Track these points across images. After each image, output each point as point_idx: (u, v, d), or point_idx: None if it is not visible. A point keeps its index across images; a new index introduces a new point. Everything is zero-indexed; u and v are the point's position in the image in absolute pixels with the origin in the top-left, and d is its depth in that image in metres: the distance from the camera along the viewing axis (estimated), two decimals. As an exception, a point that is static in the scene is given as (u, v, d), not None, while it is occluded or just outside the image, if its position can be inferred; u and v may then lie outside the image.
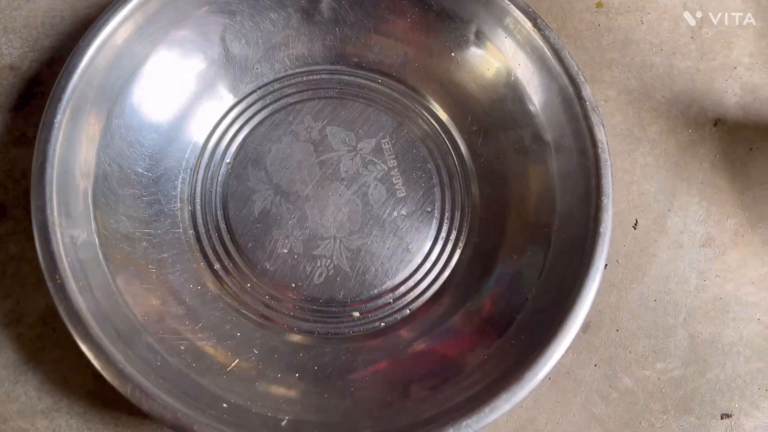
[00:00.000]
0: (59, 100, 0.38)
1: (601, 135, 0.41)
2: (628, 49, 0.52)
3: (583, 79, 0.42)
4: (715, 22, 0.53)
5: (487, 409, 0.35)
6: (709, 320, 0.47)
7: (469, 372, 0.40)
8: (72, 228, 0.38)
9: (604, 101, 0.51)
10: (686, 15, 0.53)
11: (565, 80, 0.43)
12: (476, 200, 0.47)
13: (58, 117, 0.38)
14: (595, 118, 0.42)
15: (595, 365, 0.46)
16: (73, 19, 0.48)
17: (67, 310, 0.35)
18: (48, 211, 0.36)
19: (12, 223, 0.44)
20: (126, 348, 0.36)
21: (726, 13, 0.54)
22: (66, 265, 0.36)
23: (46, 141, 0.38)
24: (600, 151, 0.41)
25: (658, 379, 0.46)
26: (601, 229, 0.40)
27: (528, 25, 0.44)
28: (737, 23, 0.53)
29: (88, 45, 0.39)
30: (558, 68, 0.43)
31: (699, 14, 0.53)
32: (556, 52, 0.43)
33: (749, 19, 0.53)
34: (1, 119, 0.45)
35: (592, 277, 0.39)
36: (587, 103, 0.42)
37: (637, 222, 0.49)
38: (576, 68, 0.43)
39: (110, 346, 0.35)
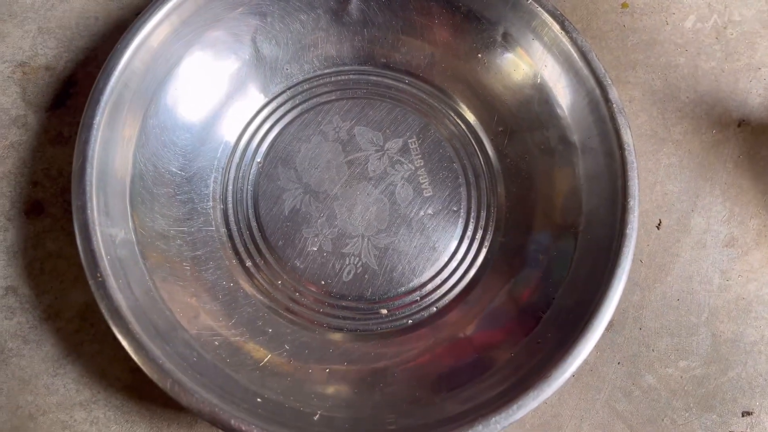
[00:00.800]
0: (98, 101, 0.39)
1: (627, 137, 0.42)
2: (653, 49, 0.53)
3: (609, 82, 0.43)
4: (739, 20, 0.53)
5: (515, 407, 0.36)
6: (731, 319, 0.48)
7: (497, 369, 0.40)
8: (111, 227, 0.39)
9: (629, 102, 0.51)
10: (713, 16, 0.53)
11: (592, 83, 0.43)
12: (502, 200, 0.48)
13: (97, 118, 0.39)
14: (621, 121, 0.42)
15: (619, 363, 0.47)
16: (107, 21, 0.49)
17: (107, 307, 0.36)
18: (88, 211, 0.37)
19: (49, 221, 0.45)
20: (164, 344, 0.37)
21: (749, 13, 0.54)
22: (106, 263, 0.37)
23: (86, 142, 0.39)
24: (626, 153, 0.41)
25: (681, 377, 0.47)
26: (627, 231, 0.40)
27: (555, 27, 0.44)
28: (761, 24, 0.53)
29: (125, 47, 0.40)
30: (585, 71, 0.43)
31: (724, 15, 0.53)
32: (584, 55, 0.43)
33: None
34: (38, 119, 0.47)
35: (618, 278, 0.39)
36: (614, 105, 0.42)
37: (660, 222, 0.49)
38: (603, 71, 0.43)
39: (149, 342, 0.36)
